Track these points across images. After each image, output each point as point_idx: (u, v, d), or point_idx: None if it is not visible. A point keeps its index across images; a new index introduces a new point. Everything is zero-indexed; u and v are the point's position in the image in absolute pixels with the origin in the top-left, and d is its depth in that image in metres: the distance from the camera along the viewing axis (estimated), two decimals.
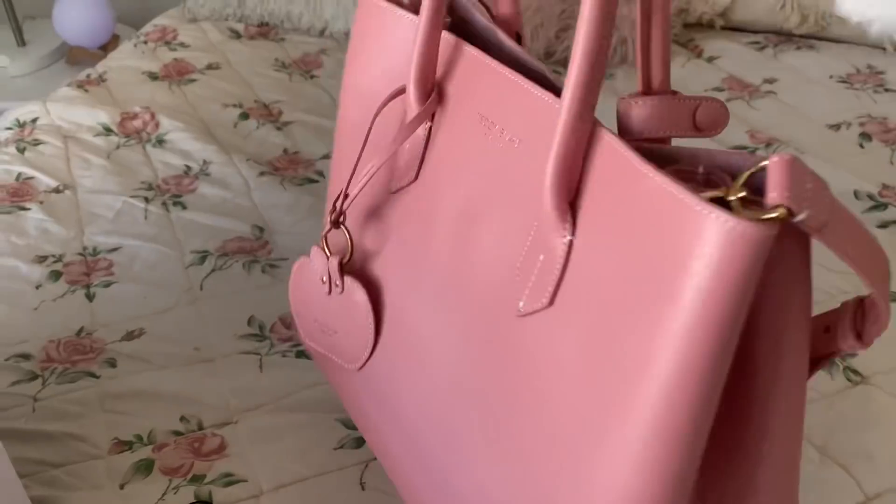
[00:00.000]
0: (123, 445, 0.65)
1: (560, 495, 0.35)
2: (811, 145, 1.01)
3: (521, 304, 0.36)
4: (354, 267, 0.48)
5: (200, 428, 0.67)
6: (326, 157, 1.03)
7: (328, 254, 0.47)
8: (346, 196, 0.45)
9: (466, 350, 0.40)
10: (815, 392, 0.68)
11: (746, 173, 0.29)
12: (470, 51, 0.42)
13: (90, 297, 0.82)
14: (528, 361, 0.36)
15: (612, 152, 0.33)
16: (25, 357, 0.74)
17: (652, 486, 0.32)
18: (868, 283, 0.33)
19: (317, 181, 1.00)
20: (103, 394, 0.70)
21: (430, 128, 0.43)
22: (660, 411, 0.31)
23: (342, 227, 0.46)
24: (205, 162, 1.04)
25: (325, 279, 0.48)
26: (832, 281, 0.79)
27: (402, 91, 0.44)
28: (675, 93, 0.37)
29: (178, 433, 0.66)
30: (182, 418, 0.67)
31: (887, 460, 0.62)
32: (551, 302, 0.35)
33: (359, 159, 0.45)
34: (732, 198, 0.29)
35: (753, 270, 0.29)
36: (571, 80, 0.32)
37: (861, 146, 1.01)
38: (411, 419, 0.45)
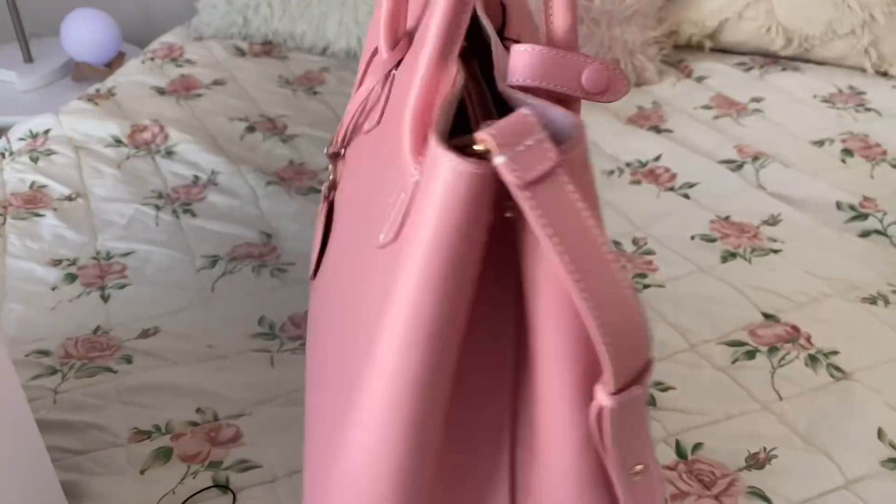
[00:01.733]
0: (142, 435, 0.68)
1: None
2: (796, 160, 1.06)
3: (381, 236, 0.36)
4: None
5: (216, 419, 0.70)
6: None
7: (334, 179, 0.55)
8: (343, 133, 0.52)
9: (345, 273, 0.42)
10: (799, 387, 0.72)
11: (492, 122, 0.28)
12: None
13: (105, 299, 0.85)
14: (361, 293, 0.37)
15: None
16: (45, 353, 0.77)
17: (372, 466, 0.31)
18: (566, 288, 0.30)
19: (322, 191, 1.03)
20: (121, 387, 0.72)
21: (393, 74, 0.44)
22: (389, 360, 0.30)
23: (337, 159, 0.53)
24: (213, 172, 1.08)
25: (324, 195, 0.56)
26: (812, 284, 0.83)
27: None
28: (571, 49, 0.36)
29: (194, 423, 0.69)
30: (198, 410, 0.70)
31: (866, 448, 0.66)
32: (396, 238, 0.34)
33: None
34: (480, 147, 0.28)
35: (470, 209, 0.28)
36: (434, 24, 0.31)
37: (843, 161, 1.06)
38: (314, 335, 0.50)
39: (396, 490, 0.32)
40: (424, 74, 0.32)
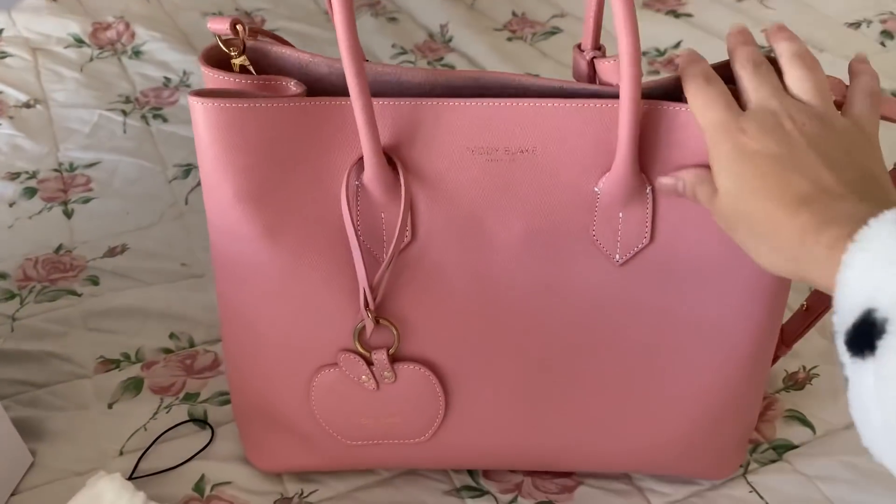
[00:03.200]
0: (110, 364, 0.61)
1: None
2: (829, 44, 0.96)
3: (616, 256, 0.43)
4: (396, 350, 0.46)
5: (192, 345, 0.63)
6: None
7: (367, 354, 0.45)
8: (372, 290, 0.43)
9: (576, 338, 0.45)
10: None
11: None
12: (404, 104, 0.41)
13: (68, 214, 0.77)
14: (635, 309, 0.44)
15: (668, 117, 0.40)
16: (1, 276, 0.69)
17: None
18: None
19: None
20: (86, 312, 0.65)
21: (404, 187, 0.41)
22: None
23: (383, 320, 0.44)
24: (185, 73, 0.98)
25: (366, 377, 0.46)
26: None
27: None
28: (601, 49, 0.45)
29: (167, 351, 0.62)
30: (172, 335, 0.63)
31: None
32: (652, 238, 0.42)
33: (362, 252, 0.42)
34: None
35: None
36: (627, 74, 0.38)
37: (882, 44, 0.96)
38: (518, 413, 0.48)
39: None
40: (629, 116, 0.39)
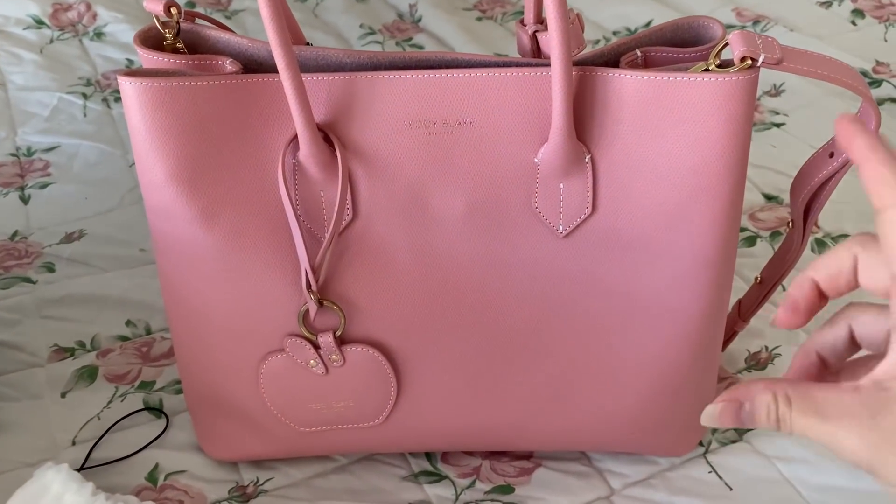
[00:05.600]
0: (64, 352, 0.60)
1: None
2: (801, 23, 0.95)
3: (559, 228, 0.42)
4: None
5: (148, 332, 0.61)
6: None
7: (313, 338, 0.44)
8: (314, 271, 0.42)
9: (531, 308, 0.45)
10: None
11: (718, 47, 0.40)
12: (337, 78, 0.40)
13: (25, 200, 0.75)
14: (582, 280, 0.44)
15: (602, 82, 0.40)
16: None
17: None
18: (844, 85, 0.40)
19: None
20: (41, 300, 0.64)
21: (341, 164, 0.40)
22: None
23: (327, 301, 0.43)
24: None
25: (314, 362, 0.45)
26: None
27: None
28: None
29: (124, 338, 0.61)
30: (128, 322, 0.62)
31: None
32: (594, 208, 0.42)
33: (303, 232, 0.41)
34: (712, 66, 0.39)
35: (751, 106, 0.40)
36: (555, 45, 0.37)
37: (853, 23, 0.95)
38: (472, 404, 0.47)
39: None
40: (562, 85, 0.39)
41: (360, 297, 0.44)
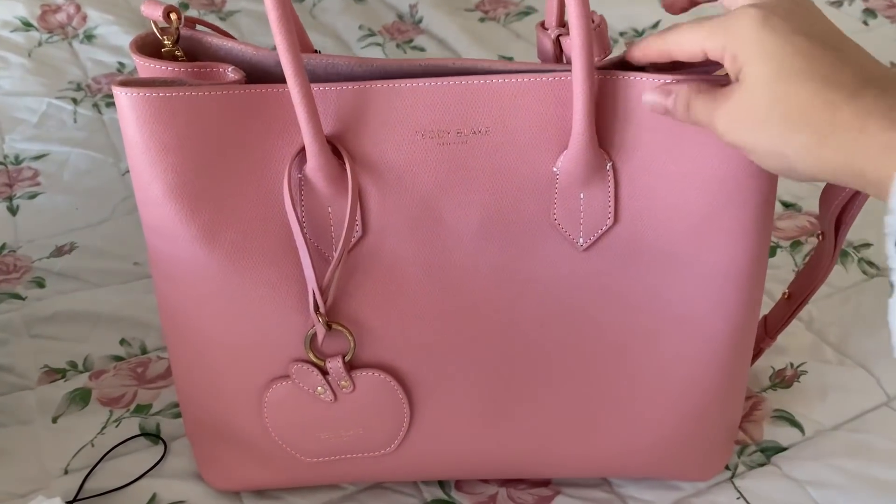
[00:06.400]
0: (55, 374, 0.57)
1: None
2: None
3: (579, 240, 0.40)
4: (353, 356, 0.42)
5: (144, 351, 0.59)
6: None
7: (321, 363, 0.41)
8: (322, 292, 0.39)
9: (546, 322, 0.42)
10: (829, 287, 0.62)
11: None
12: (347, 88, 0.38)
13: (13, 211, 0.72)
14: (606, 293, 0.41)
15: (624, 86, 0.38)
16: None
17: None
18: None
19: None
20: (30, 317, 0.61)
21: (351, 177, 0.38)
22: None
23: (336, 324, 0.41)
24: None
25: (321, 388, 0.42)
26: None
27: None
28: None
29: (118, 358, 0.58)
30: (122, 341, 0.59)
31: None
32: (616, 219, 0.40)
33: (309, 251, 0.39)
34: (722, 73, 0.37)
35: None
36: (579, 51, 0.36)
37: (865, 23, 0.93)
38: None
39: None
40: (584, 92, 0.37)
41: (370, 319, 0.41)
